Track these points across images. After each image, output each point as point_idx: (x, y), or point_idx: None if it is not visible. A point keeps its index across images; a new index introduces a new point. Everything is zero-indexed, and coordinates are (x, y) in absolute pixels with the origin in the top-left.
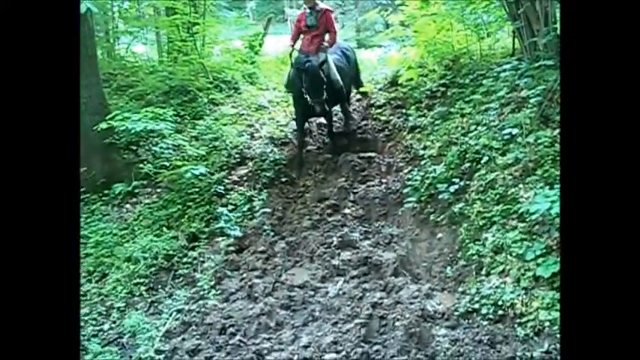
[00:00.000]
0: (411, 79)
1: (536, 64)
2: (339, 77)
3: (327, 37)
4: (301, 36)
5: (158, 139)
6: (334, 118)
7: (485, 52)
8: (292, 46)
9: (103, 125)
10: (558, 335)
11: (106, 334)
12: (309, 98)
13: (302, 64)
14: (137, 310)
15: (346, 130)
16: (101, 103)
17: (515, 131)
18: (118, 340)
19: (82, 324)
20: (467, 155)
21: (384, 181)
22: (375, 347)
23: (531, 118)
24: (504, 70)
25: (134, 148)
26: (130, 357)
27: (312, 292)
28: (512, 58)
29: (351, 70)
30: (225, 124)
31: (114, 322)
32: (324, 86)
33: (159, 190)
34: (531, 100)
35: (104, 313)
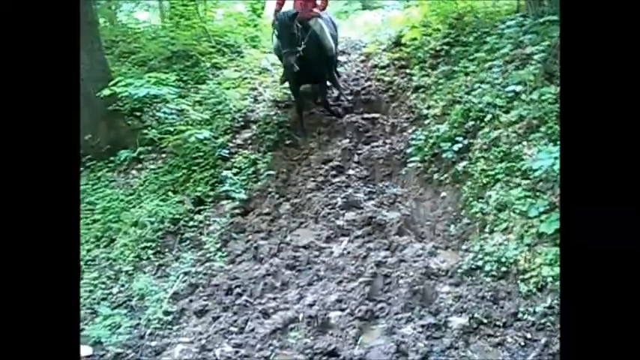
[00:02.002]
0: (415, 39)
1: (541, 20)
2: (333, 44)
3: (318, 2)
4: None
5: (162, 104)
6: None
7: (490, 9)
8: (277, 11)
9: (106, 92)
10: None
11: (115, 297)
12: (282, 50)
13: (277, 19)
14: (145, 273)
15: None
16: (104, 70)
17: (519, 88)
18: (127, 302)
19: (91, 288)
20: (471, 114)
21: (388, 141)
22: (380, 305)
23: (535, 75)
24: (508, 27)
25: (138, 114)
26: (139, 319)
27: (316, 253)
28: (516, 14)
29: (336, 37)
30: (228, 88)
31: (122, 286)
32: (298, 39)
33: (164, 155)
34: (535, 57)
35: (113, 277)
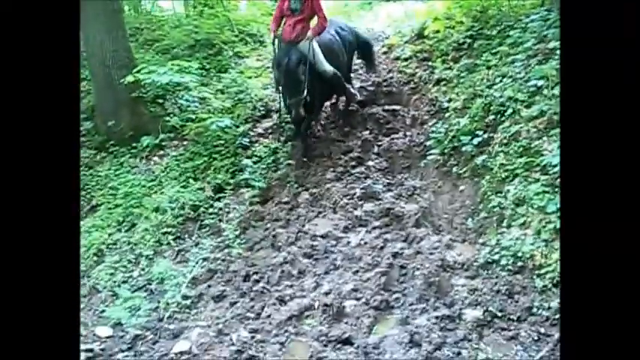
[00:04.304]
0: (438, 32)
1: None
2: (327, 67)
3: (313, 22)
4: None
5: (184, 92)
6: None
7: (514, 2)
8: (275, 32)
9: (130, 78)
10: None
11: (135, 280)
12: (286, 98)
13: (279, 61)
14: (165, 258)
15: (347, 104)
16: (127, 57)
17: (540, 83)
18: (147, 286)
19: (112, 271)
20: (491, 107)
21: (408, 133)
22: (395, 295)
23: (558, 70)
24: (532, 21)
25: (160, 101)
26: (158, 302)
27: (334, 242)
28: (541, 8)
29: (348, 53)
30: (250, 77)
31: (143, 270)
32: (304, 85)
33: (185, 143)
34: (558, 51)
35: (133, 260)
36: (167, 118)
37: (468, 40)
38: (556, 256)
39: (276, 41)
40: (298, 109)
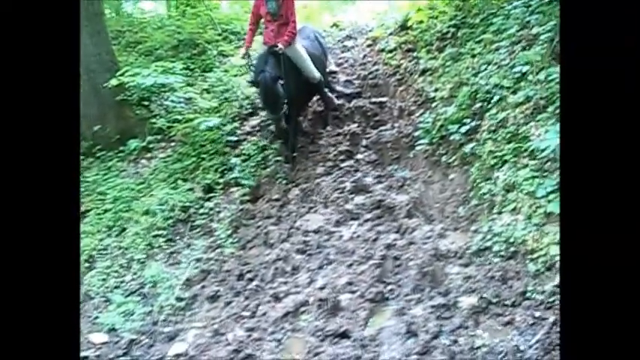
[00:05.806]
0: (421, 22)
1: (547, 0)
2: (315, 72)
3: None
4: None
5: (169, 93)
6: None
7: None
8: (248, 46)
9: (114, 82)
10: None
11: (128, 285)
12: (268, 115)
13: (255, 75)
14: (157, 261)
15: (327, 111)
16: (111, 61)
17: (525, 69)
18: (140, 290)
19: (104, 277)
20: (478, 95)
21: (396, 125)
22: (390, 287)
23: (542, 55)
24: (515, 8)
25: (146, 103)
26: (152, 305)
27: (326, 237)
28: None
29: (323, 57)
30: (235, 75)
31: (135, 274)
32: (283, 100)
33: (173, 144)
34: (542, 37)
35: (125, 265)
36: (153, 120)
37: (452, 30)
38: (547, 240)
39: (247, 58)
40: (279, 123)
